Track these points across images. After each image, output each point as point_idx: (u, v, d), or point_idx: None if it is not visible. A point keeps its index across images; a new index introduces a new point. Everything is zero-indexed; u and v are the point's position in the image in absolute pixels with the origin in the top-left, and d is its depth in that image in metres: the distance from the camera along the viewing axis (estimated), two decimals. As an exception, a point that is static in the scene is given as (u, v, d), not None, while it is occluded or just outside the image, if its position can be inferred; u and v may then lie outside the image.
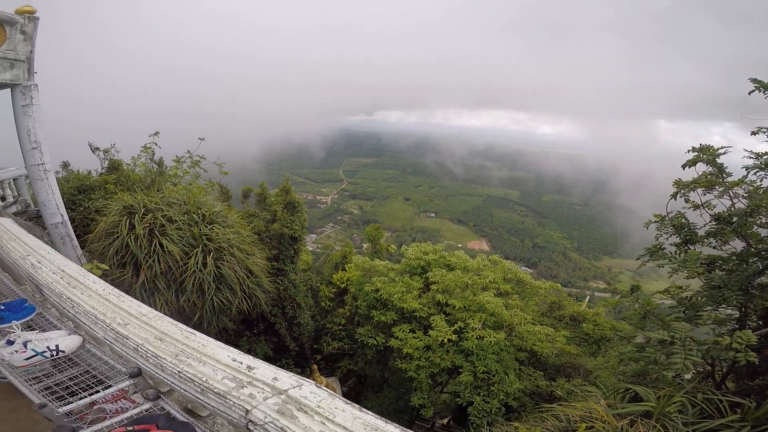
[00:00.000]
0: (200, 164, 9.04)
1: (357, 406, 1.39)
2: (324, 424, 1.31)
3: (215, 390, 1.57)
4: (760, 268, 3.84)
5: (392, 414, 10.05)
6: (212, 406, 1.59)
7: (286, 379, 1.59)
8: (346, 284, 11.51)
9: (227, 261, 5.83)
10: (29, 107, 5.89)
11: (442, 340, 7.65)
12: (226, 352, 1.83)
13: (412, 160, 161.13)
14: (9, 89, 5.84)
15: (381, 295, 8.79)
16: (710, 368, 4.29)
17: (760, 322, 3.98)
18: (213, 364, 1.74)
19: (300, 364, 10.39)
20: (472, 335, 7.64)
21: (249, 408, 1.44)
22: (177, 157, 9.16)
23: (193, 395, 1.67)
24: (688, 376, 4.37)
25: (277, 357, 9.93)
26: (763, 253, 3.87)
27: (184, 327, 2.12)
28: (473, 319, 7.91)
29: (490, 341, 7.52)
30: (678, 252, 4.36)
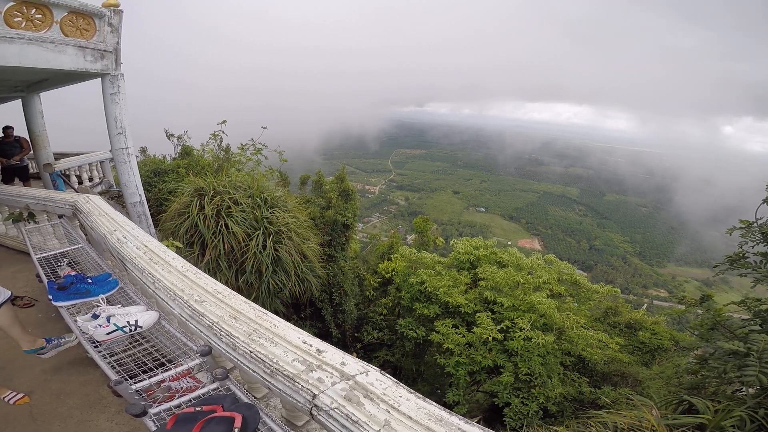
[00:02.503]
0: (262, 152, 9.51)
1: (420, 395, 1.36)
2: (389, 412, 1.28)
3: (285, 372, 1.56)
4: None
5: None
6: (279, 389, 1.56)
7: (353, 364, 1.56)
8: (392, 274, 11.58)
9: (285, 244, 6.10)
10: (116, 95, 6.37)
11: (486, 338, 7.48)
12: (296, 334, 1.81)
13: (463, 153, 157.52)
14: (99, 78, 6.31)
15: (426, 287, 8.71)
16: None
17: None
18: (284, 345, 1.72)
19: None
20: (519, 335, 7.40)
21: (316, 392, 1.42)
22: (241, 144, 9.70)
23: (262, 376, 1.65)
24: (751, 391, 4.01)
25: None
26: None
27: (256, 306, 2.11)
28: (522, 319, 7.64)
29: (538, 343, 7.24)
30: (764, 262, 3.91)
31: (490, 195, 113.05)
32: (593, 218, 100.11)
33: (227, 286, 5.99)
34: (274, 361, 1.62)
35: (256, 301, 6.27)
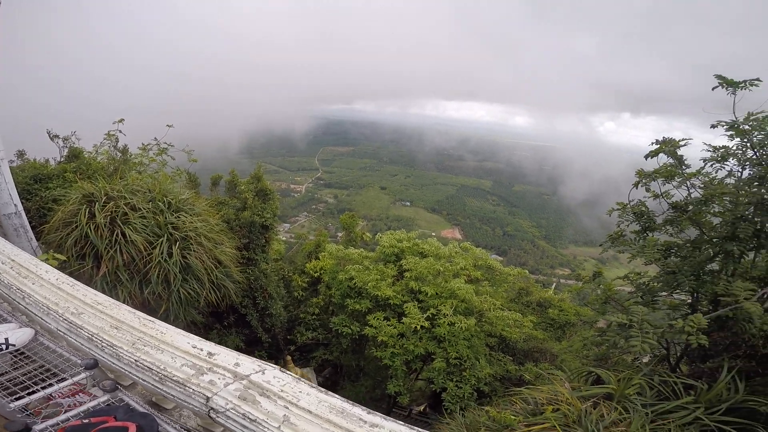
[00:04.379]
0: (167, 152, 8.65)
1: (323, 389, 1.38)
2: (288, 408, 1.30)
3: (174, 378, 1.53)
4: (711, 254, 4.06)
5: (369, 402, 10.11)
6: (172, 395, 1.54)
7: (248, 364, 1.57)
8: (320, 273, 11.42)
9: (194, 250, 5.63)
10: None
11: (416, 327, 7.72)
12: (186, 339, 1.79)
13: (388, 150, 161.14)
14: None
15: (355, 283, 8.74)
16: (666, 352, 4.53)
17: (710, 307, 4.15)
18: (172, 351, 1.70)
19: (274, 356, 10.25)
20: (444, 321, 7.75)
21: (209, 395, 1.41)
22: (143, 144, 8.72)
23: (152, 384, 1.62)
24: (645, 360, 4.60)
25: (249, 349, 9.75)
26: (714, 240, 4.09)
27: (143, 315, 2.07)
28: (445, 305, 8.01)
29: (461, 327, 7.65)
30: (637, 239, 4.55)
31: (414, 189, 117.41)
32: (505, 207, 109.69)
33: (131, 299, 5.36)
34: (162, 368, 1.61)
35: (166, 312, 5.72)
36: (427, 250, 9.05)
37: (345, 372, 11.61)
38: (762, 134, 3.87)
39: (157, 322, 1.99)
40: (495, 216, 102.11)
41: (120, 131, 8.62)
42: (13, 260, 2.86)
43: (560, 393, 3.74)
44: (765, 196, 3.75)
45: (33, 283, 2.55)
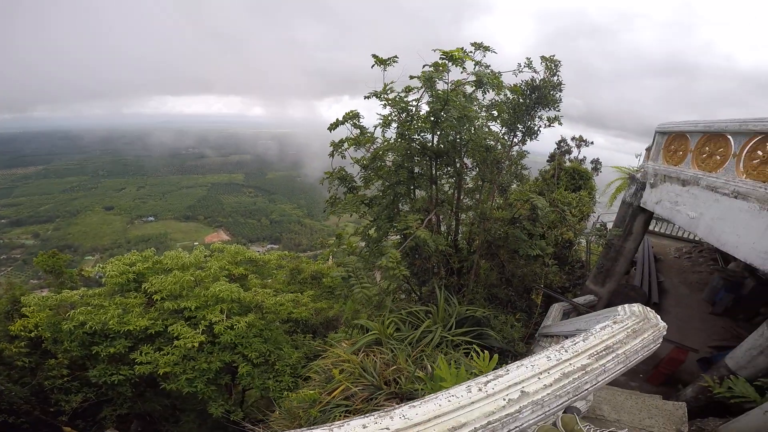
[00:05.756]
0: None
1: None
2: None
3: None
4: (392, 198, 5.40)
5: None
6: None
7: None
8: (36, 331, 8.43)
9: None
10: None
11: (194, 344, 7.02)
12: None
13: (103, 160, 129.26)
14: None
15: (91, 326, 6.99)
16: (408, 285, 5.60)
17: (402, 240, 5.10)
18: None
19: None
20: (220, 327, 7.37)
21: None
22: None
23: None
24: (389, 299, 5.49)
25: None
26: (394, 185, 5.42)
27: None
28: (213, 312, 7.57)
29: (242, 327, 7.47)
30: (341, 200, 5.52)
31: (154, 200, 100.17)
32: (264, 197, 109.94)
33: None
34: None
35: None
36: (169, 264, 8.10)
37: (157, 417, 9.38)
38: (403, 102, 5.32)
39: None
40: (257, 207, 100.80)
41: None
42: None
43: (340, 355, 4.12)
44: (407, 147, 5.21)
45: None
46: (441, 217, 5.73)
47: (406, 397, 3.31)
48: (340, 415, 3.34)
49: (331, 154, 5.21)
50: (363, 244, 5.98)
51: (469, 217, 6.56)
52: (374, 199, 5.56)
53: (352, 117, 5.31)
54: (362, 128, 5.57)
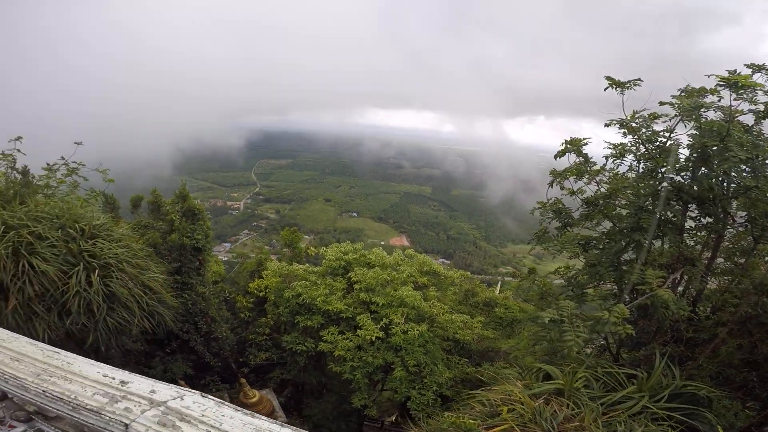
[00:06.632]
0: (78, 172, 7.81)
1: (249, 412, 1.38)
2: None
3: (87, 406, 1.50)
4: (623, 245, 4.50)
5: (338, 418, 9.89)
6: (90, 424, 1.51)
7: (165, 390, 1.56)
8: (265, 292, 10.99)
9: (117, 278, 5.16)
10: None
11: (371, 338, 7.70)
12: (95, 369, 1.77)
13: (329, 161, 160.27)
14: None
15: (303, 299, 8.50)
16: (605, 342, 4.82)
17: (632, 296, 4.33)
18: (81, 381, 1.68)
19: (227, 380, 9.73)
20: (397, 330, 7.79)
21: (127, 422, 1.39)
22: (48, 164, 7.80)
23: (67, 413, 1.59)
24: (588, 351, 4.83)
25: (199, 375, 9.17)
26: (625, 231, 4.53)
27: (46, 346, 2.01)
28: (396, 314, 8.07)
29: (414, 334, 7.72)
30: (559, 234, 4.93)
31: (359, 199, 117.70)
32: (446, 212, 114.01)
33: (51, 331, 4.84)
34: (73, 397, 1.59)
35: (95, 342, 5.27)
36: (373, 260, 9.07)
37: (307, 390, 11.23)
38: (649, 131, 4.43)
39: (63, 352, 1.94)
40: (438, 221, 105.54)
41: (18, 150, 7.64)
42: None
43: (513, 393, 3.79)
44: (658, 188, 4.26)
45: None
46: (686, 277, 4.48)
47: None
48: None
49: (551, 184, 4.76)
50: (560, 282, 5.32)
51: (722, 283, 5.00)
52: (594, 240, 4.80)
53: (577, 144, 4.73)
54: (586, 157, 4.91)
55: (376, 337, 7.77)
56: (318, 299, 8.31)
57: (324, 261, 9.51)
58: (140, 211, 8.83)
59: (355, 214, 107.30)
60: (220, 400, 1.46)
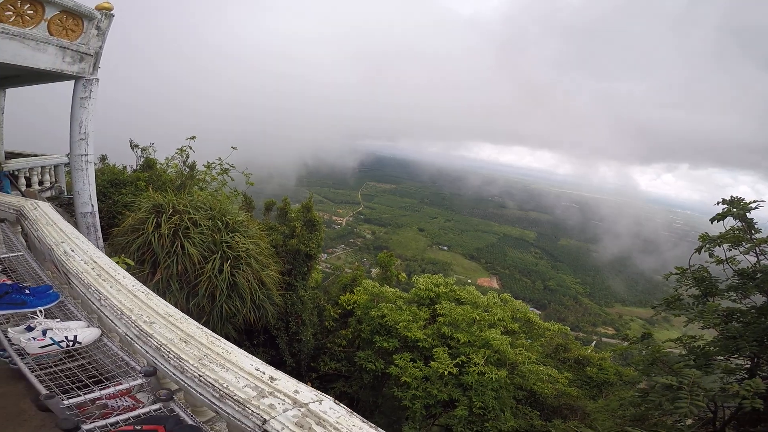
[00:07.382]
0: (228, 172, 9.36)
1: (374, 425, 1.38)
2: None
3: (234, 397, 1.57)
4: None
5: None
6: (227, 413, 1.57)
7: (306, 392, 1.58)
8: (353, 307, 11.45)
9: (243, 270, 5.94)
10: (87, 100, 6.12)
11: (442, 372, 7.52)
12: (249, 361, 1.82)
13: (429, 191, 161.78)
14: (73, 80, 6.04)
15: (386, 321, 8.71)
16: (712, 415, 4.18)
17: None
18: (236, 371, 1.73)
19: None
20: (474, 370, 7.51)
21: (267, 418, 1.44)
22: (208, 162, 9.52)
23: (210, 400, 1.66)
24: (689, 422, 4.24)
25: None
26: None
27: (209, 332, 2.10)
28: (477, 354, 7.78)
29: (491, 378, 7.38)
30: (696, 303, 4.29)
31: (453, 234, 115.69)
32: (548, 261, 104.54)
33: (177, 307, 5.78)
34: (224, 386, 1.63)
35: (206, 324, 5.97)
36: (465, 297, 8.91)
37: (361, 407, 11.30)
38: None
39: (222, 340, 2.00)
40: (537, 269, 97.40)
41: (191, 147, 9.44)
42: (95, 261, 3.05)
43: None
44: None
45: (111, 287, 2.64)
46: None
47: None
48: None
49: (698, 250, 4.13)
50: (677, 352, 4.70)
51: None
52: (743, 313, 4.05)
53: (742, 207, 4.00)
54: (750, 223, 4.12)
55: (448, 372, 7.56)
56: (400, 324, 8.43)
57: (413, 289, 9.61)
58: (270, 214, 10.12)
59: (446, 247, 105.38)
60: (350, 410, 1.48)
